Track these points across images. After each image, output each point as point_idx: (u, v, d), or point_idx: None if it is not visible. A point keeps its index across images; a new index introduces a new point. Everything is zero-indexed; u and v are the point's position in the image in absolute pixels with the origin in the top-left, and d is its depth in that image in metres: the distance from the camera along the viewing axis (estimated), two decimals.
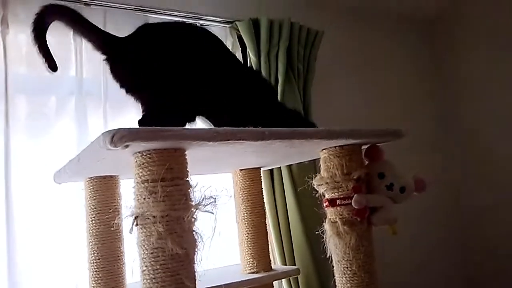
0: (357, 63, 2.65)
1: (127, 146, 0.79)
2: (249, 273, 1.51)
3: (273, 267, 1.57)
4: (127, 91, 1.12)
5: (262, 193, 1.59)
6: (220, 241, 1.94)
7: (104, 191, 1.27)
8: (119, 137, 0.76)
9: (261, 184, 1.59)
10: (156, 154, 0.87)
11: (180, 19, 2.01)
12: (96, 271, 1.26)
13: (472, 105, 2.83)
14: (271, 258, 1.95)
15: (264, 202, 1.59)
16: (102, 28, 1.19)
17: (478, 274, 2.79)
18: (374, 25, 2.78)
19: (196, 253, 0.89)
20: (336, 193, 1.15)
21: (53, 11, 1.13)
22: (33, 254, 1.64)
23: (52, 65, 1.13)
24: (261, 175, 1.61)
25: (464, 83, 2.88)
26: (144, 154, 0.88)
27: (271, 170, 2.04)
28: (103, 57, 1.13)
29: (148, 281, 0.86)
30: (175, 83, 1.09)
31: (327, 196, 1.18)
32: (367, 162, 1.22)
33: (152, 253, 0.85)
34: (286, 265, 1.98)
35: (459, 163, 2.89)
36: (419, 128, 2.84)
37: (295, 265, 1.98)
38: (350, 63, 2.62)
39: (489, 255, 2.72)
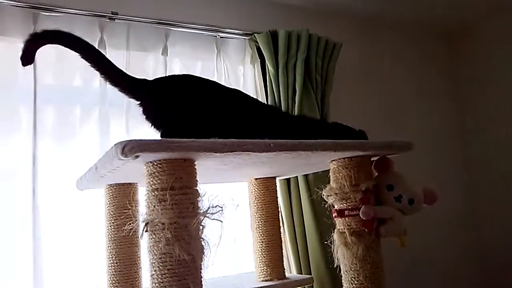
0: (376, 73, 2.66)
1: (137, 157, 0.84)
2: (263, 280, 1.53)
3: (287, 275, 1.59)
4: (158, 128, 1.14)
5: (277, 202, 1.61)
6: (237, 248, 2.00)
7: (122, 197, 1.33)
8: (130, 148, 0.81)
9: (276, 193, 1.62)
10: (166, 164, 0.92)
11: (201, 32, 2.08)
12: (113, 274, 1.32)
13: (491, 115, 2.79)
14: (287, 267, 1.98)
15: (279, 211, 1.61)
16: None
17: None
18: (392, 36, 2.79)
19: (203, 259, 0.93)
20: (344, 204, 1.17)
21: (73, 42, 1.17)
22: (57, 255, 1.71)
23: (26, 61, 1.16)
24: (277, 184, 1.63)
25: (483, 93, 2.85)
26: (155, 164, 0.92)
27: (288, 179, 2.06)
28: (136, 102, 1.15)
29: (156, 285, 0.90)
30: (209, 122, 1.13)
31: (336, 207, 1.20)
32: (376, 173, 1.24)
33: (160, 258, 0.90)
34: (301, 273, 1.99)
35: (477, 172, 2.86)
36: (438, 138, 2.83)
37: (310, 273, 1.99)
38: (368, 73, 2.63)
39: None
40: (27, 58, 1.17)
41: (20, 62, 1.15)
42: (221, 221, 0.97)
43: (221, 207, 0.96)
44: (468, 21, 2.84)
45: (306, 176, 2.04)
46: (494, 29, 2.76)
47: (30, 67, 1.70)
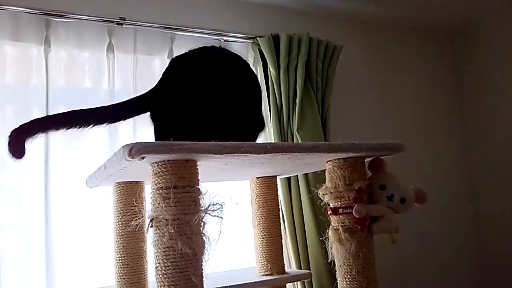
0: (376, 75, 2.71)
1: (143, 158, 0.91)
2: (263, 275, 1.59)
3: (286, 270, 1.65)
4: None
5: (278, 200, 1.67)
6: (239, 244, 2.07)
7: (129, 195, 1.39)
8: (136, 150, 0.88)
9: (277, 191, 1.67)
10: (169, 164, 0.98)
11: (205, 36, 2.15)
12: (121, 267, 1.39)
13: (491, 117, 2.83)
14: (287, 262, 2.04)
15: (279, 209, 1.66)
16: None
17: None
18: (392, 38, 2.84)
19: (203, 253, 1.00)
20: (338, 203, 1.23)
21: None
22: (68, 249, 1.80)
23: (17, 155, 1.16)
24: (277, 182, 1.69)
25: (482, 95, 2.89)
26: (160, 164, 0.99)
27: (289, 178, 2.13)
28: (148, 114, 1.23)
29: (160, 276, 0.97)
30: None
31: (331, 205, 1.26)
32: (370, 173, 1.29)
33: (164, 251, 0.96)
34: (301, 268, 2.06)
35: (478, 175, 2.90)
36: (437, 140, 2.88)
37: (309, 268, 2.05)
38: (368, 75, 2.68)
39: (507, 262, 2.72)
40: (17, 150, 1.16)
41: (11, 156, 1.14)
42: (221, 218, 1.03)
43: (221, 205, 1.02)
44: (469, 22, 2.88)
45: (305, 175, 2.10)
46: (495, 30, 2.80)
47: (42, 71, 1.78)
